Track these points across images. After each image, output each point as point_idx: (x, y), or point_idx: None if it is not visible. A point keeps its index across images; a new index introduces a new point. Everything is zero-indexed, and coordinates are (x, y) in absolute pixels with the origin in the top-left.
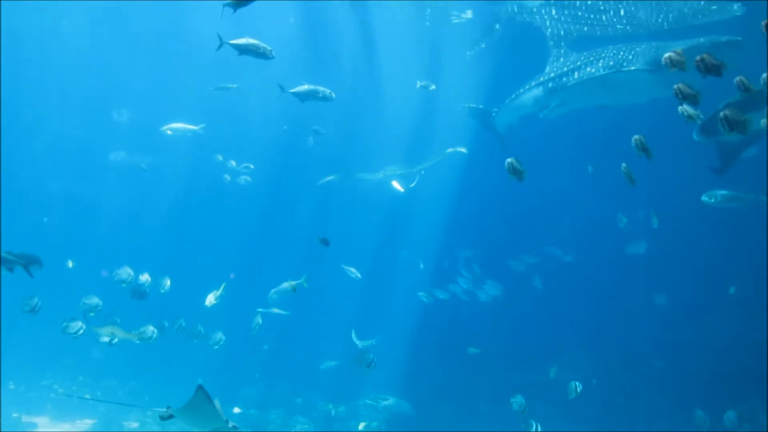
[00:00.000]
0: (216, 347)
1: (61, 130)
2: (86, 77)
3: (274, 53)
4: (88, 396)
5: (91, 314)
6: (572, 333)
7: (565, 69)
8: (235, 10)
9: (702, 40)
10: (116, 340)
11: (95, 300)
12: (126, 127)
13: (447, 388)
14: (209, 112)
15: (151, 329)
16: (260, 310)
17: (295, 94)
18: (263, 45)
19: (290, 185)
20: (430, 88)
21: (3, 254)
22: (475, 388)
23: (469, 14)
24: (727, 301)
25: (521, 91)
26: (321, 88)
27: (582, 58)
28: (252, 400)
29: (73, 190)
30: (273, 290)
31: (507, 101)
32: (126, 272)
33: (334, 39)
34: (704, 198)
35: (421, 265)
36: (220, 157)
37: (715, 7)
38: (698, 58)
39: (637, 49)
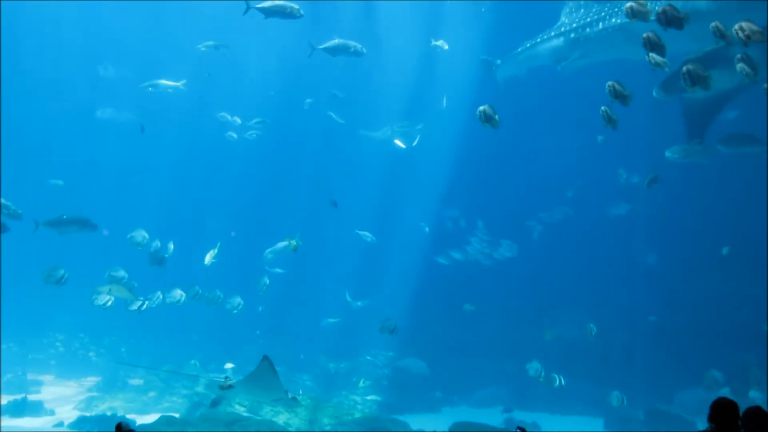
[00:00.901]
0: (235, 312)
1: (58, 86)
2: (85, 36)
3: (302, 12)
4: (92, 354)
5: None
6: (570, 291)
7: (588, 19)
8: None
9: None
10: (110, 302)
11: (121, 272)
12: (119, 83)
13: (446, 345)
14: (208, 70)
15: (179, 293)
16: (267, 268)
17: (325, 49)
18: (290, 4)
19: (291, 144)
20: (444, 48)
21: (59, 218)
22: (475, 345)
23: None
24: (721, 258)
25: (538, 40)
26: (352, 43)
27: (606, 8)
28: (254, 358)
29: (72, 148)
30: (268, 250)
31: (518, 51)
32: (141, 235)
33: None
34: (667, 154)
35: (426, 228)
36: (228, 116)
37: None
38: (660, 9)
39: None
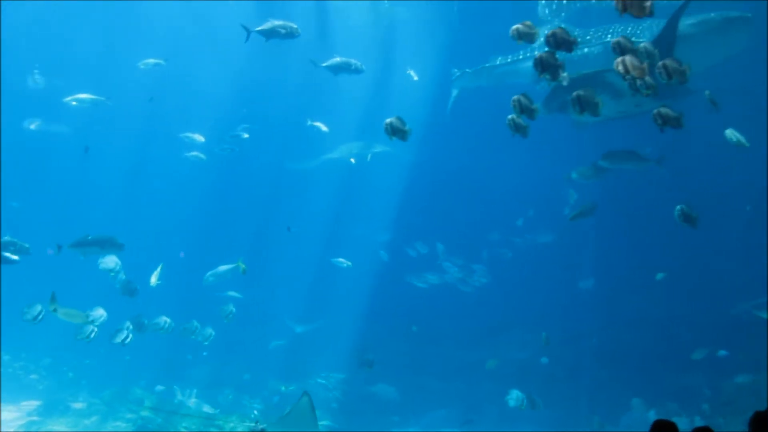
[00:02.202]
0: (206, 343)
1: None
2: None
3: (299, 30)
4: (35, 376)
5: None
6: (519, 313)
7: None
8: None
9: (713, 15)
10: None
11: (100, 311)
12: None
13: (397, 366)
14: (160, 88)
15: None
16: (232, 293)
17: (327, 67)
18: (289, 24)
19: (243, 164)
20: (414, 78)
21: (84, 239)
22: (425, 366)
23: None
24: (657, 282)
25: (520, 57)
26: (353, 61)
27: (590, 32)
28: (201, 380)
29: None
30: (209, 273)
31: (497, 64)
32: (113, 261)
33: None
34: (573, 175)
35: (385, 256)
36: (192, 135)
37: None
38: (549, 32)
39: (645, 24)
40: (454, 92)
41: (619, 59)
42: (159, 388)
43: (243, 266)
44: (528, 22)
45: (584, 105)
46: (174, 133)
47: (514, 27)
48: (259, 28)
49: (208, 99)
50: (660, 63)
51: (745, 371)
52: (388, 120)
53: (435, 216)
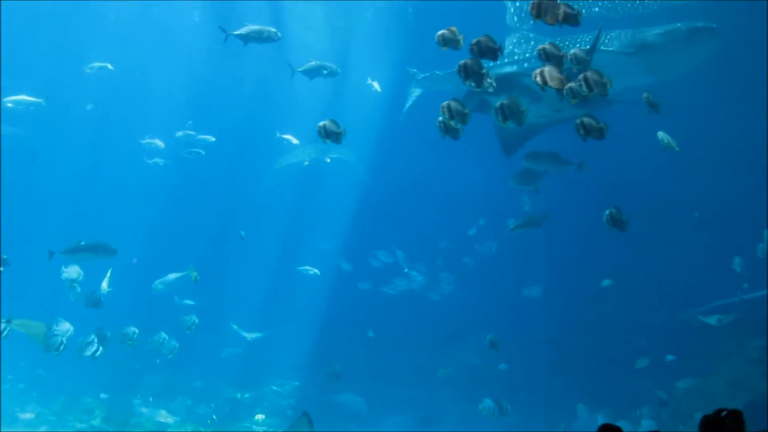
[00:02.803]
0: (170, 356)
1: None
2: None
3: (279, 34)
4: None
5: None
6: (475, 319)
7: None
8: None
9: (679, 25)
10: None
11: (66, 325)
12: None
13: (354, 373)
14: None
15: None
16: (188, 302)
17: (304, 72)
18: (267, 29)
19: (198, 173)
20: (376, 89)
21: (76, 245)
22: (381, 372)
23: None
24: (610, 289)
25: (491, 65)
26: (328, 64)
27: (557, 41)
28: (154, 388)
29: None
30: (158, 281)
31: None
32: (75, 271)
33: (242, 13)
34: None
35: (347, 267)
36: (153, 141)
37: None
38: (474, 41)
39: (613, 33)
40: (417, 92)
41: (538, 70)
42: (103, 395)
43: (195, 274)
44: (453, 28)
45: (508, 114)
46: (128, 136)
47: (439, 33)
48: (238, 32)
49: (162, 102)
50: (581, 75)
51: (693, 375)
52: (321, 123)
53: (390, 223)
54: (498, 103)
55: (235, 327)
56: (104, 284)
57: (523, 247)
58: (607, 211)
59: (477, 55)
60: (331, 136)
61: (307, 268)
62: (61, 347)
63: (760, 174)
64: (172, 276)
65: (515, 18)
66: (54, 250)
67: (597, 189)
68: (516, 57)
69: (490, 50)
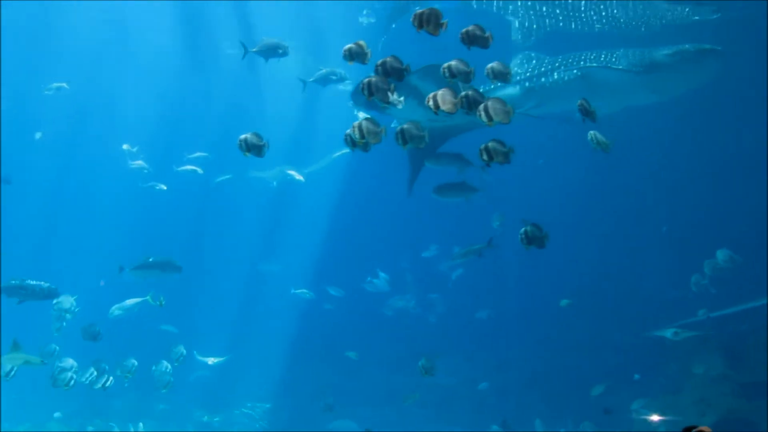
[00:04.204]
0: (164, 391)
1: None
2: None
3: (289, 48)
4: None
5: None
6: (447, 340)
7: (543, 69)
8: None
9: (687, 46)
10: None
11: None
12: None
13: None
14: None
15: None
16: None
17: (315, 81)
18: (281, 43)
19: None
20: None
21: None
22: (354, 393)
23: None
24: (581, 307)
25: (491, 87)
26: (336, 70)
27: (560, 59)
28: (122, 412)
29: None
30: (115, 306)
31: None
32: (69, 302)
33: (212, 34)
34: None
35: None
36: (138, 163)
37: (697, 17)
38: (380, 61)
39: (620, 51)
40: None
41: (431, 94)
42: (57, 414)
43: (161, 299)
44: (361, 42)
45: (408, 138)
46: (96, 152)
47: (347, 47)
48: (256, 49)
49: (130, 117)
50: (463, 93)
51: (661, 393)
52: (242, 136)
53: (361, 240)
54: (398, 128)
55: (198, 355)
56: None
57: (493, 267)
58: (522, 230)
59: (382, 75)
60: (253, 149)
61: (303, 291)
62: (72, 382)
63: (732, 188)
64: (130, 301)
65: (519, 35)
66: (124, 266)
67: (568, 205)
68: (518, 78)
69: (395, 71)
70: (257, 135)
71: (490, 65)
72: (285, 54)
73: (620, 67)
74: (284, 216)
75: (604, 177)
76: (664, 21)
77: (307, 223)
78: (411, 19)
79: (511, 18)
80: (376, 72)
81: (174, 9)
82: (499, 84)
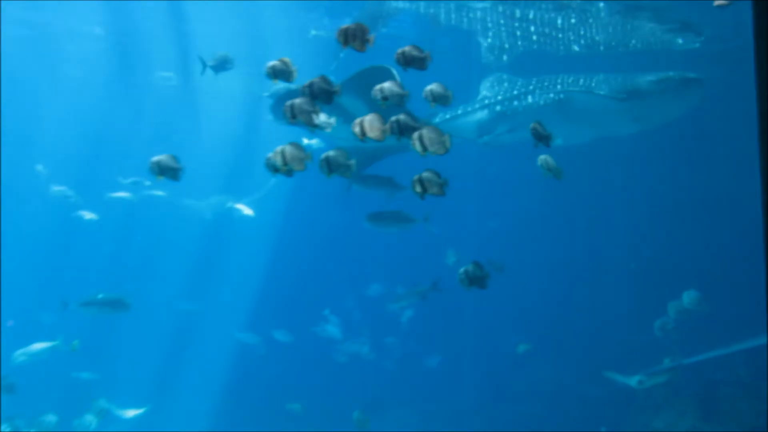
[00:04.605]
0: None
1: None
2: None
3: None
4: None
5: None
6: (403, 388)
7: (515, 92)
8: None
9: (672, 74)
10: None
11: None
12: None
13: None
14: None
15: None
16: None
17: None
18: (228, 55)
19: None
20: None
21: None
22: None
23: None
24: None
25: (459, 112)
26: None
27: (534, 81)
28: None
29: None
30: (19, 351)
31: (435, 122)
32: None
33: (146, 48)
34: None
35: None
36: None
37: (680, 40)
38: (307, 82)
39: (600, 76)
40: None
41: (358, 119)
42: None
43: (75, 343)
44: (286, 59)
45: (333, 167)
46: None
47: (270, 64)
48: (212, 63)
49: (50, 137)
50: (393, 118)
51: None
52: (155, 158)
53: (302, 276)
54: (323, 156)
55: (114, 408)
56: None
57: (448, 308)
58: (462, 270)
59: (309, 97)
60: (167, 172)
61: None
62: None
63: (705, 225)
64: (37, 346)
65: (490, 55)
66: (69, 302)
67: (528, 241)
68: (486, 102)
69: (323, 93)
70: (173, 157)
71: (428, 87)
72: (232, 66)
73: (602, 92)
74: (218, 250)
75: (566, 210)
76: (646, 46)
77: (243, 259)
78: (336, 35)
79: (480, 38)
80: (302, 94)
81: (104, 18)
82: (469, 109)
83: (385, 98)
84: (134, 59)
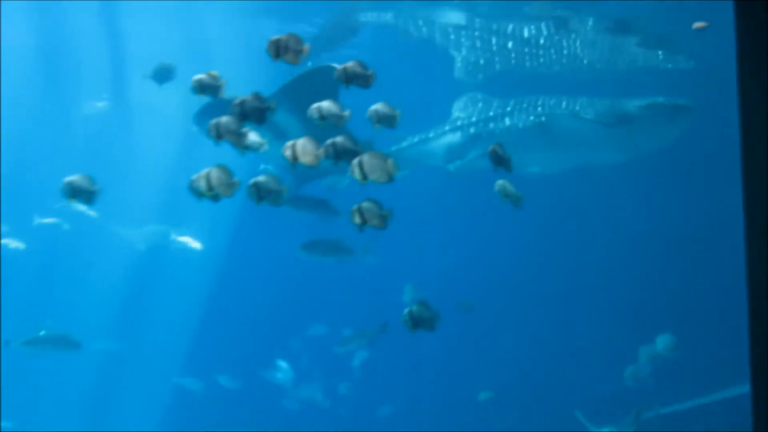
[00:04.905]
0: None
1: None
2: None
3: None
4: None
5: None
6: None
7: (491, 113)
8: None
9: (661, 100)
10: None
11: None
12: None
13: None
14: None
15: None
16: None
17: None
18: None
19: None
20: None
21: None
22: None
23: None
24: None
25: (430, 135)
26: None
27: (512, 102)
28: None
29: None
30: None
31: (403, 147)
32: None
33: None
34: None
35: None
36: None
37: (670, 65)
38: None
39: (584, 99)
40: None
41: (290, 143)
42: None
43: None
44: (213, 72)
45: (263, 194)
46: None
47: (196, 78)
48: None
49: None
50: (329, 141)
51: None
52: (68, 178)
53: (244, 313)
54: (252, 181)
55: None
56: None
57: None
58: (407, 310)
59: (239, 117)
60: (81, 194)
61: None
62: None
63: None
64: None
65: (463, 72)
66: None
67: (490, 279)
68: (459, 122)
69: (256, 111)
70: (88, 178)
71: (373, 107)
72: (174, 76)
73: (589, 116)
74: (151, 284)
75: (533, 246)
76: (633, 66)
77: (180, 294)
78: (266, 47)
79: (453, 52)
80: (233, 113)
81: (33, 30)
82: (438, 132)
83: (322, 118)
84: (64, 75)
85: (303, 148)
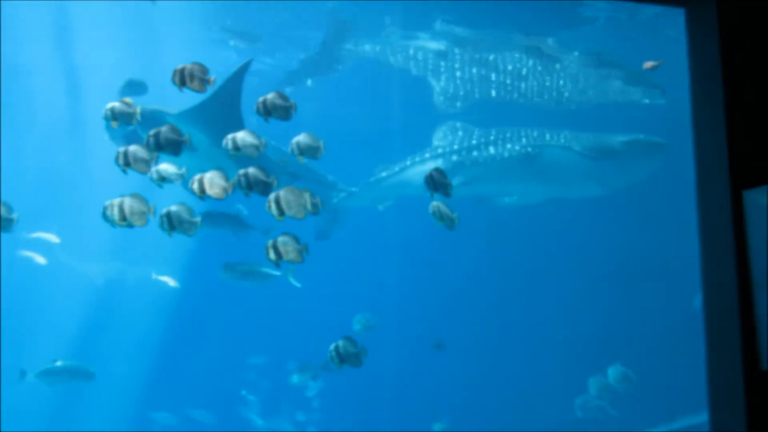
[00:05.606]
0: None
1: None
2: None
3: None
4: None
5: None
6: None
7: (473, 142)
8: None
9: (641, 137)
10: None
11: None
12: None
13: None
14: None
15: None
16: None
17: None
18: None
19: None
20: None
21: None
22: None
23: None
24: None
25: (408, 163)
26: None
27: (493, 132)
28: None
29: None
30: None
31: (382, 176)
32: None
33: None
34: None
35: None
36: None
37: (647, 101)
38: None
39: (567, 133)
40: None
41: (197, 176)
42: None
43: None
44: (128, 99)
45: (175, 224)
46: None
47: (109, 105)
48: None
49: None
50: (241, 171)
51: None
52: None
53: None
54: (164, 211)
55: None
56: None
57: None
58: (333, 345)
59: (154, 149)
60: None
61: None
62: None
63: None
64: None
65: (442, 101)
66: (27, 370)
67: (453, 309)
68: (440, 150)
69: (171, 143)
70: (7, 206)
71: (295, 138)
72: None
73: (577, 149)
74: (108, 319)
75: (484, 277)
76: (612, 100)
77: (138, 329)
78: (171, 77)
79: (432, 81)
80: (147, 144)
81: None
82: (416, 159)
83: (236, 149)
84: (15, 92)
85: (210, 181)
